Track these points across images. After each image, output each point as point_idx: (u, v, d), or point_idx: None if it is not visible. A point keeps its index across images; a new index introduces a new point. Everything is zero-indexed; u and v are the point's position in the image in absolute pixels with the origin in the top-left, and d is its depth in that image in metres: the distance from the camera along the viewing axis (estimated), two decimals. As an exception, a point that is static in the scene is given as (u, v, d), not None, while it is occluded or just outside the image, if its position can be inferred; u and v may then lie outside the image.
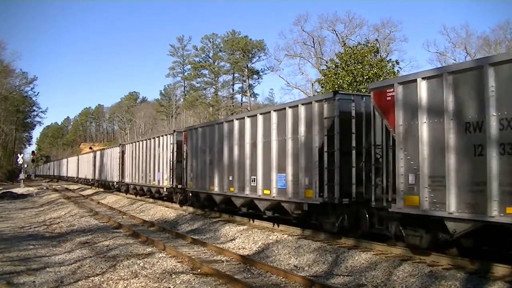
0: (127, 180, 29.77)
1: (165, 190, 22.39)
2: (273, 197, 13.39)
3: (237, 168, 15.43)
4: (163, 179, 22.69)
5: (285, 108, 13.16)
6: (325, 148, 11.34)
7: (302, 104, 12.48)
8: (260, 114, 14.50)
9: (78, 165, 53.83)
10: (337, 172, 11.09)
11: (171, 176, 21.58)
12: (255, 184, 14.42)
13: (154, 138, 25.12)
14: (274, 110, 13.72)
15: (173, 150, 21.51)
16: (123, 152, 31.22)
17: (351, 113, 11.35)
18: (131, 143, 29.73)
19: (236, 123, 15.73)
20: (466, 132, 8.03)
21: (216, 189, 16.79)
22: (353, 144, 11.19)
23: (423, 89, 8.87)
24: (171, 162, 21.63)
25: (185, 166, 20.13)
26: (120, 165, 31.54)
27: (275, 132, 13.49)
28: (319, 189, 11.46)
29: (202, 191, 18.09)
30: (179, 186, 20.70)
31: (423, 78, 8.91)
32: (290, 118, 12.80)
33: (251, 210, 15.37)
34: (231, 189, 15.73)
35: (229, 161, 16.00)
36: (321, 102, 11.81)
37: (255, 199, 14.44)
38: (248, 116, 15.24)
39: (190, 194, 19.53)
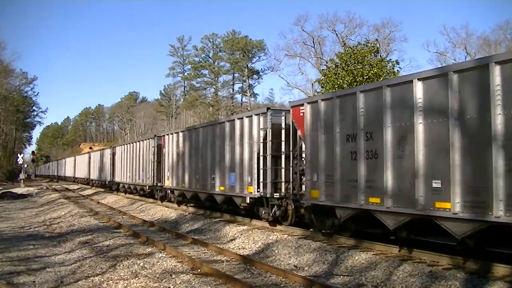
0: (168, 183, 22.05)
1: (247, 200, 14.69)
2: None
3: None
4: (245, 185, 14.91)
5: None
6: None
7: None
8: None
9: (89, 164, 45.59)
10: None
11: (262, 179, 14.07)
12: None
13: (217, 124, 17.39)
14: None
15: (264, 139, 14.05)
16: (160, 147, 23.77)
17: None
18: (176, 132, 21.54)
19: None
20: None
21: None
22: None
23: None
24: (262, 158, 14.14)
25: (294, 163, 13.00)
26: (154, 163, 24.40)
27: None
28: None
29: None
30: (276, 195, 13.70)
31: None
32: None
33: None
34: None
35: None
36: None
37: None
38: None
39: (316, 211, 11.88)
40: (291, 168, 13.14)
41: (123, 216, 20.08)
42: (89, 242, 12.92)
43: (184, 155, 20.08)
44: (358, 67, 26.39)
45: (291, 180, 13.16)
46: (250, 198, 14.56)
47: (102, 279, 8.64)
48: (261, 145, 14.15)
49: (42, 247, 12.38)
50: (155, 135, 25.44)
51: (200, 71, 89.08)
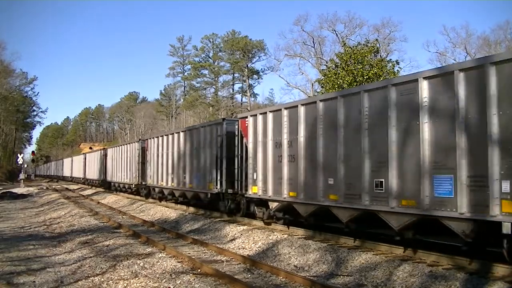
0: (256, 190, 14.22)
1: (506, 229, 7.23)
2: None
3: None
4: (494, 197, 7.44)
5: None
6: None
7: None
8: None
9: (105, 163, 37.46)
10: None
11: None
12: None
13: (382, 89, 9.78)
14: None
15: None
16: (230, 136, 16.34)
17: None
18: (274, 111, 13.63)
19: None
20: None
21: None
22: None
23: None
24: None
25: None
26: (222, 160, 16.70)
27: None
28: None
29: None
30: None
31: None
32: None
33: None
34: None
35: None
36: None
37: None
38: None
39: None
40: None
41: (123, 216, 20.08)
42: (89, 242, 12.92)
43: (296, 144, 12.32)
44: (358, 67, 26.41)
45: None
46: None
47: (102, 279, 8.64)
48: None
49: (42, 247, 12.38)
50: (223, 119, 17.40)
51: (200, 71, 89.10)
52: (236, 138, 15.88)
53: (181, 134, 21.00)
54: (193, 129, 19.97)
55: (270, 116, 13.64)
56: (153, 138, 25.30)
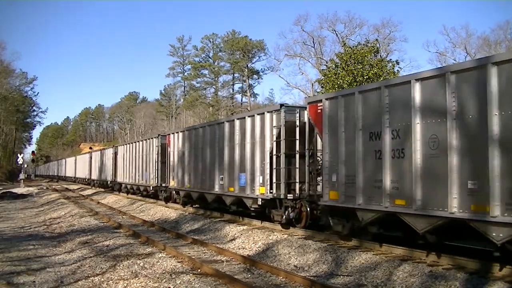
0: (350, 198, 10.63)
1: None
2: None
3: None
4: None
5: None
6: None
7: None
8: None
9: (113, 162, 33.53)
10: None
11: None
12: None
13: None
14: None
15: None
16: (288, 128, 13.30)
17: None
18: (363, 91, 10.59)
19: None
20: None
21: None
22: None
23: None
24: None
25: None
26: (275, 157, 13.66)
27: None
28: None
29: None
30: None
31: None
32: None
33: None
34: None
35: None
36: None
37: None
38: None
39: None
40: None
41: (123, 216, 20.08)
42: (89, 242, 12.92)
43: (407, 135, 9.19)
44: (358, 67, 26.42)
45: None
46: None
47: (102, 279, 8.64)
48: None
49: (42, 247, 12.38)
50: (281, 105, 13.72)
51: (200, 71, 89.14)
52: (298, 128, 13.10)
53: (217, 126, 17.35)
54: (235, 119, 16.05)
55: (359, 98, 10.47)
56: (177, 132, 21.53)
